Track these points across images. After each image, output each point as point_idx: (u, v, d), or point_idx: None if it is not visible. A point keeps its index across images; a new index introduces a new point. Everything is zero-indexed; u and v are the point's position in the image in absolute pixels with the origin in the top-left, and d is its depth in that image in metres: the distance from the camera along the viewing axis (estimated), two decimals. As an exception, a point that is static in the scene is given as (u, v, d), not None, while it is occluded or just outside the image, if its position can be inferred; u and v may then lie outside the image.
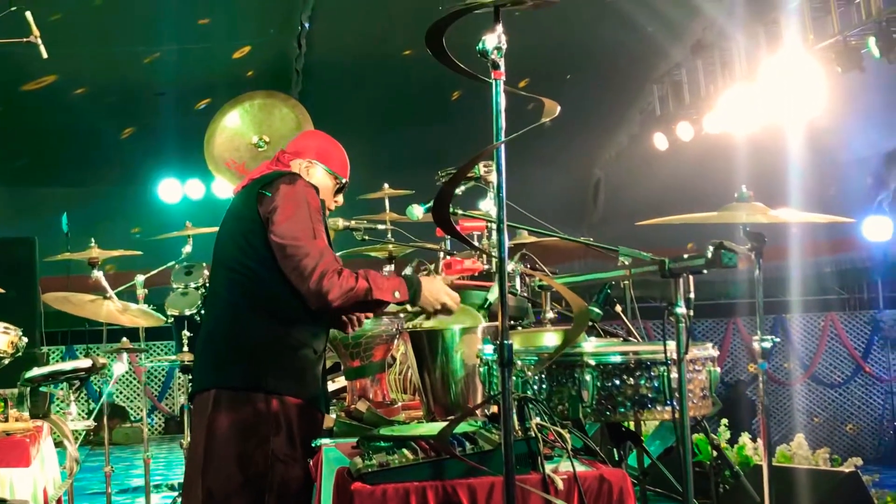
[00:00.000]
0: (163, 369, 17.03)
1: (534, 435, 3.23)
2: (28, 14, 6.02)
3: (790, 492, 6.64)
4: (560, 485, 3.14)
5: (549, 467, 3.19)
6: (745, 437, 8.52)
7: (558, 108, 2.97)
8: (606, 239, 4.56)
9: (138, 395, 17.47)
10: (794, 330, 16.70)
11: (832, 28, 10.74)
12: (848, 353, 17.16)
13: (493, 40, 2.90)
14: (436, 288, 4.11)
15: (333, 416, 4.40)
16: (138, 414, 17.31)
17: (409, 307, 4.32)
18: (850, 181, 15.84)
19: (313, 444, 3.96)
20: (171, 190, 16.30)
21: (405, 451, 3.29)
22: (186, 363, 6.73)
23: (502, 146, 2.92)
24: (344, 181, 4.47)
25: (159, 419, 17.28)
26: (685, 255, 3.09)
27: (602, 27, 12.74)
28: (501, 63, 2.91)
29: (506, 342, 2.90)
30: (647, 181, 15.12)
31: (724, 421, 8.85)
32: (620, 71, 14.21)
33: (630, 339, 4.51)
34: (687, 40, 13.44)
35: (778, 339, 4.78)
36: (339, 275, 3.87)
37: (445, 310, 4.14)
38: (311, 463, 4.03)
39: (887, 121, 14.60)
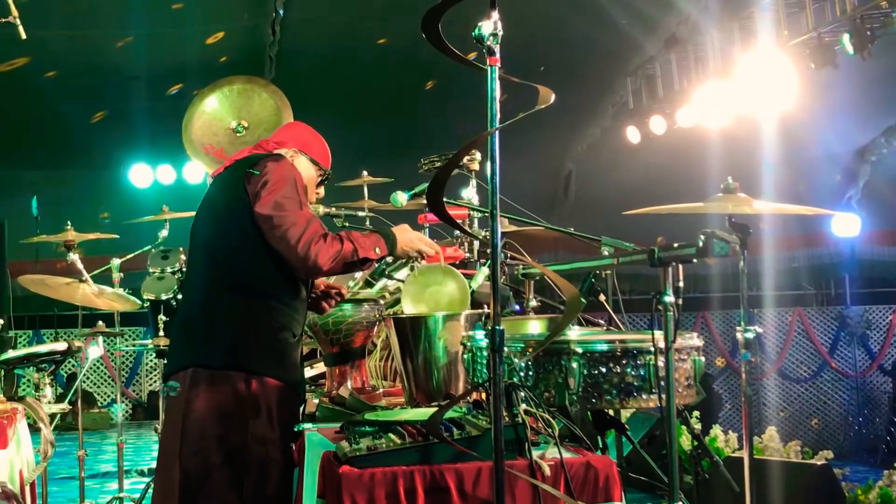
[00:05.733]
0: (130, 355, 16.97)
1: (521, 421, 3.24)
2: (7, -7, 5.97)
3: (763, 483, 6.71)
4: (547, 471, 3.16)
5: (535, 453, 3.21)
6: (716, 429, 8.59)
7: (553, 96, 2.97)
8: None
9: (105, 380, 17.41)
10: (762, 324, 16.81)
11: (806, 24, 10.86)
12: (815, 349, 17.33)
13: (490, 27, 2.89)
14: (409, 237, 4.22)
15: (316, 400, 4.40)
16: (105, 399, 17.27)
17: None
18: (820, 176, 15.99)
19: (296, 429, 3.95)
20: (142, 175, 16.20)
21: (392, 435, 3.30)
22: (162, 348, 6.70)
23: (496, 133, 2.91)
24: (327, 172, 4.48)
25: (126, 405, 17.21)
26: (675, 245, 3.10)
27: (576, 20, 12.74)
28: (497, 50, 2.91)
29: (497, 328, 2.91)
30: (618, 174, 15.17)
31: (696, 413, 8.91)
32: (594, 64, 14.20)
33: (611, 328, 4.52)
34: (661, 34, 13.48)
35: (761, 331, 4.80)
36: (325, 239, 3.90)
37: (422, 255, 4.28)
38: (294, 447, 4.02)
39: (859, 117, 14.75)
